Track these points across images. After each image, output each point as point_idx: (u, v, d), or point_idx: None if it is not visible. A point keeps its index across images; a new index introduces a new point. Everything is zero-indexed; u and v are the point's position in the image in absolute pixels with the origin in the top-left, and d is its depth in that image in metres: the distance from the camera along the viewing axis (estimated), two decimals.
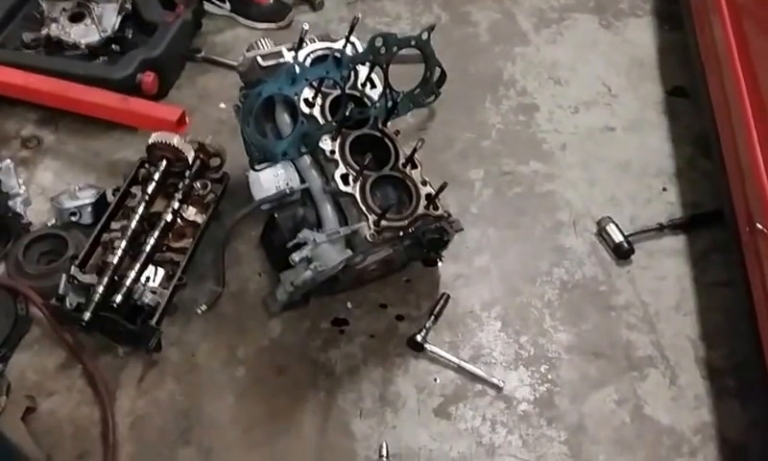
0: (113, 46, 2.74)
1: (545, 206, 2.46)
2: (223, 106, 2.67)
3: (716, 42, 2.49)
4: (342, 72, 2.07)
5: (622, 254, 2.34)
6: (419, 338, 2.10)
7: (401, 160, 2.13)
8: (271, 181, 2.12)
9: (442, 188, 2.04)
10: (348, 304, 2.18)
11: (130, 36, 2.77)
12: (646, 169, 2.56)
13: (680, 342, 2.17)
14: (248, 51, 2.24)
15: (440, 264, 2.25)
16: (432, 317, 2.15)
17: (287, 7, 2.99)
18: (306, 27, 2.10)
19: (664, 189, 2.51)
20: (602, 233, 2.38)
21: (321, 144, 2.09)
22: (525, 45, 2.95)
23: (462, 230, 2.15)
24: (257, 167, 2.08)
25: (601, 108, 2.74)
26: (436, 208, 2.07)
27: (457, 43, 2.94)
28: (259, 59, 2.17)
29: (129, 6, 2.78)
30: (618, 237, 2.35)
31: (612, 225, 2.38)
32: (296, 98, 2.06)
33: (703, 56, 2.62)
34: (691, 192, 2.50)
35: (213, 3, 2.98)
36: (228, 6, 2.98)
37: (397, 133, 2.19)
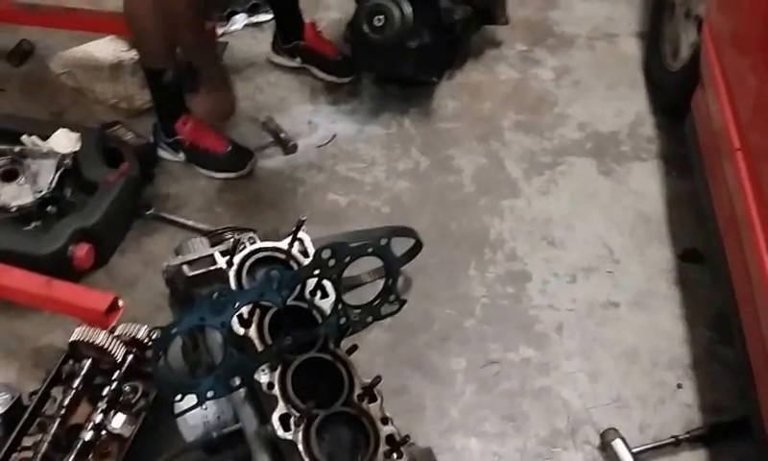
0: (49, 208, 2.24)
1: (539, 408, 1.93)
2: None
3: (731, 195, 1.96)
4: (282, 294, 1.55)
5: None
6: None
7: (357, 391, 1.59)
8: (198, 416, 1.60)
9: (404, 441, 1.50)
10: None
11: (68, 195, 2.28)
12: (657, 359, 2.02)
13: None
14: (176, 253, 1.75)
15: None
16: None
17: (248, 154, 2.50)
18: (237, 236, 1.64)
19: (679, 386, 1.96)
20: (606, 449, 1.84)
21: (256, 375, 1.57)
22: (515, 197, 2.41)
23: None
24: (176, 410, 1.55)
25: (602, 276, 2.20)
26: (400, 456, 1.53)
27: (437, 194, 2.42)
28: (185, 268, 1.68)
29: (69, 162, 2.28)
30: (627, 458, 1.80)
31: (618, 440, 1.82)
32: (222, 329, 1.54)
33: (717, 213, 2.08)
34: (711, 390, 1.95)
35: (167, 150, 2.49)
36: (182, 156, 2.48)
37: (353, 349, 1.66)
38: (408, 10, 2.54)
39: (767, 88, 1.84)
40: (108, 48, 2.93)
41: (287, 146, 2.56)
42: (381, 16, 2.55)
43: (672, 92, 2.58)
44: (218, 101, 2.59)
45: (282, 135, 2.59)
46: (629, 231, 2.31)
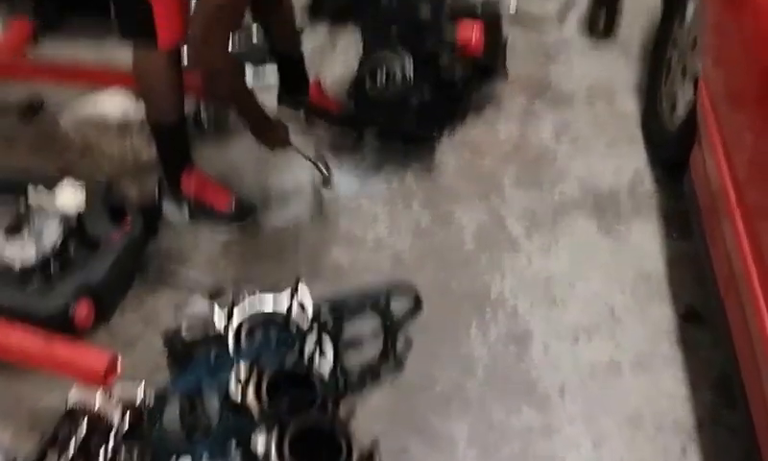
0: (52, 265, 2.20)
1: None
2: None
3: (730, 253, 1.91)
4: (279, 355, 1.52)
5: None
6: None
7: (355, 457, 1.53)
8: None
9: None
10: None
11: (71, 252, 2.23)
12: (661, 423, 1.95)
13: None
14: (176, 313, 1.72)
15: None
16: None
17: (251, 208, 2.47)
18: (235, 296, 1.58)
19: (684, 452, 1.89)
20: None
21: (252, 441, 1.51)
22: (516, 253, 2.37)
23: None
24: None
25: (604, 337, 2.14)
26: None
27: (438, 252, 2.39)
28: (184, 332, 1.64)
29: (74, 221, 2.25)
30: None
31: None
32: (219, 391, 1.50)
33: (716, 271, 2.04)
34: (716, 456, 1.88)
35: (171, 205, 2.46)
36: (187, 210, 2.45)
37: (352, 412, 1.60)
38: (409, 67, 2.54)
39: (763, 146, 1.82)
40: (116, 103, 2.93)
41: (325, 178, 2.52)
42: (383, 73, 2.55)
43: (670, 150, 2.56)
44: (272, 133, 2.50)
45: (322, 168, 2.53)
46: (630, 290, 2.26)
